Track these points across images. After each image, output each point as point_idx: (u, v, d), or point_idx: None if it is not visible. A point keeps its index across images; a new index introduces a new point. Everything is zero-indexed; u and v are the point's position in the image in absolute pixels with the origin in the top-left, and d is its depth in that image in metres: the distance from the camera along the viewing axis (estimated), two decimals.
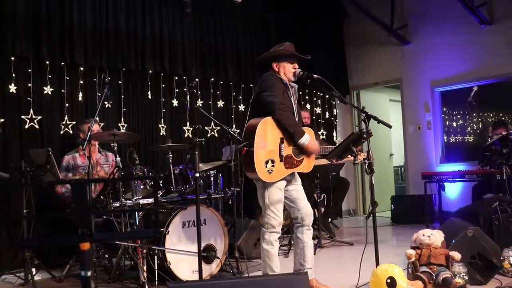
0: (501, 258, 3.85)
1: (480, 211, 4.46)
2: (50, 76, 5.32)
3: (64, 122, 5.40)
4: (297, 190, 3.69)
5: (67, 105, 5.42)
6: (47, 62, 5.27)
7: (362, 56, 8.76)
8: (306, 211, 3.66)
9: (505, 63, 7.07)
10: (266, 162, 3.41)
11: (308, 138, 3.51)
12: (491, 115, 7.38)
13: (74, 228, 1.91)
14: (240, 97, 7.14)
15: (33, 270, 4.16)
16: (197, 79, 6.45)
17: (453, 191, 7.26)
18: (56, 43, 5.30)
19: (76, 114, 5.50)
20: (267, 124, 3.45)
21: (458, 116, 7.97)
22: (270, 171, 3.42)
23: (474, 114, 7.50)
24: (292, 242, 3.99)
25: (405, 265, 3.77)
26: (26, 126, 5.13)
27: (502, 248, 3.94)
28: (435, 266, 3.57)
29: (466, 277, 3.53)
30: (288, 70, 3.67)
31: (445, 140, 7.99)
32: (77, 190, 2.04)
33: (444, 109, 8.01)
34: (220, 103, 6.91)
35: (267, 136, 3.44)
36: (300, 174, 3.76)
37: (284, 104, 3.49)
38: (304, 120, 5.58)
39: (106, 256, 4.54)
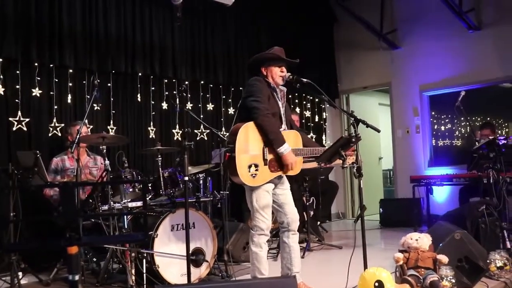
0: (488, 261, 3.87)
1: (467, 214, 4.46)
2: (39, 78, 5.27)
3: (52, 125, 5.36)
4: (285, 195, 3.69)
5: (55, 107, 5.38)
6: (36, 64, 5.22)
7: (351, 60, 8.81)
8: (292, 216, 3.67)
9: (493, 68, 7.13)
10: (249, 167, 3.41)
11: (287, 149, 3.47)
12: (479, 119, 7.45)
13: (62, 232, 1.90)
14: (230, 100, 7.13)
15: (20, 274, 4.11)
16: (187, 82, 6.43)
17: (441, 194, 7.29)
18: (45, 45, 5.25)
19: (65, 116, 5.45)
20: (249, 128, 3.45)
21: (446, 120, 8.02)
22: (253, 175, 3.42)
23: (462, 118, 7.57)
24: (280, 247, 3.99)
25: (393, 268, 3.76)
26: (14, 128, 5.08)
27: (488, 251, 3.95)
28: (422, 270, 3.57)
29: (453, 280, 3.54)
30: (275, 74, 3.67)
31: (434, 144, 8.04)
32: (65, 193, 2.03)
33: (433, 113, 8.06)
34: (210, 106, 6.89)
35: (249, 140, 3.44)
36: (288, 177, 3.76)
37: (268, 109, 3.48)
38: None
39: (94, 259, 4.51)
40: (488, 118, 7.41)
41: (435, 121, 8.08)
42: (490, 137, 5.22)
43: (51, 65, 5.36)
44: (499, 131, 7.34)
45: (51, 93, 5.38)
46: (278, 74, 3.67)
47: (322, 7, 8.57)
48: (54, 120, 5.37)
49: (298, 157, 3.60)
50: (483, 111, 7.59)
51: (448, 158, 7.77)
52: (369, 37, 8.18)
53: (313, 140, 7.93)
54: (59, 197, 4.56)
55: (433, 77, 7.75)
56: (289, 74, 3.69)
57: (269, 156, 3.50)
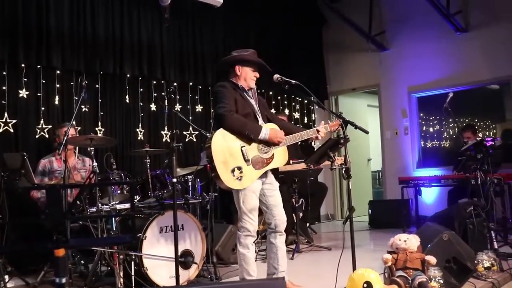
0: (475, 262, 3.88)
1: (455, 215, 4.47)
2: (25, 79, 5.21)
3: (39, 126, 5.31)
4: (274, 196, 3.69)
5: (43, 108, 5.33)
6: (23, 65, 5.17)
7: (340, 61, 8.82)
8: (280, 218, 3.68)
9: (480, 69, 7.19)
10: (233, 171, 3.42)
11: (267, 131, 3.50)
12: (467, 120, 7.48)
13: (49, 234, 1.88)
14: None
15: (6, 277, 4.07)
16: (175, 83, 6.36)
17: (430, 195, 7.33)
18: (33, 46, 5.20)
19: (52, 118, 5.40)
20: (220, 135, 3.47)
21: (435, 122, 8.06)
22: (239, 178, 3.43)
23: (450, 120, 7.62)
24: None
25: (381, 269, 3.75)
26: (0, 130, 5.02)
27: (476, 252, 3.96)
28: (411, 271, 3.56)
29: (442, 281, 3.54)
30: (249, 77, 3.69)
31: (422, 145, 8.07)
32: (52, 195, 2.01)
33: (421, 114, 8.10)
34: (199, 108, 6.86)
35: (225, 146, 3.45)
36: (277, 179, 3.76)
37: (232, 110, 3.48)
38: None
39: (82, 262, 4.47)
40: (476, 120, 7.46)
41: (423, 122, 8.12)
42: (471, 140, 5.24)
43: (38, 66, 5.31)
44: (487, 133, 7.40)
45: (38, 94, 5.33)
46: (251, 78, 3.69)
47: (311, 8, 8.57)
48: (42, 121, 5.32)
49: (282, 148, 3.61)
50: (471, 112, 7.62)
51: (436, 160, 7.80)
52: (357, 39, 8.19)
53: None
54: (46, 199, 4.51)
55: (422, 79, 7.79)
56: (278, 75, 3.69)
57: (250, 155, 3.50)
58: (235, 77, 3.69)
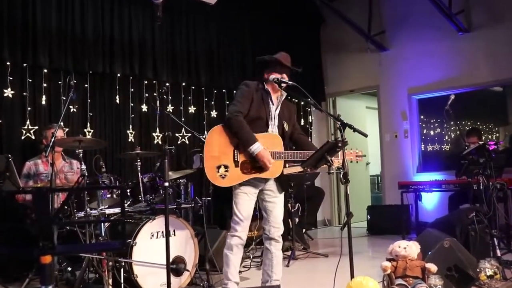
0: (478, 270, 3.84)
1: (456, 222, 4.48)
2: (11, 78, 5.16)
3: (25, 127, 5.25)
4: (274, 203, 3.68)
5: (29, 109, 5.28)
6: (8, 63, 5.12)
7: (338, 62, 8.77)
8: (275, 225, 3.67)
9: (483, 71, 7.14)
10: (218, 167, 3.46)
11: (258, 148, 3.46)
12: (468, 123, 7.44)
13: (35, 240, 1.86)
14: (213, 102, 7.04)
15: None
16: (167, 84, 6.35)
17: (430, 201, 7.30)
18: (18, 43, 5.14)
19: (38, 118, 5.35)
20: (219, 131, 3.52)
21: (436, 125, 8.02)
22: (223, 176, 3.46)
23: (452, 123, 7.53)
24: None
25: (380, 277, 3.74)
26: None
27: (478, 259, 3.93)
28: (411, 279, 3.54)
29: None
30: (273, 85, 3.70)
31: (422, 149, 8.02)
32: (38, 199, 1.97)
33: (422, 117, 8.05)
34: (192, 109, 6.81)
35: (219, 142, 3.49)
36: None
37: (241, 112, 3.51)
38: None
39: (69, 269, 4.39)
40: (478, 123, 7.43)
41: (424, 125, 8.07)
42: (478, 142, 5.18)
43: (25, 65, 5.25)
44: (489, 136, 7.34)
45: (24, 94, 5.28)
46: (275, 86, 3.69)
47: (308, 7, 8.52)
48: (28, 122, 5.27)
49: (278, 161, 3.57)
50: (473, 115, 7.59)
51: (437, 164, 7.75)
52: (356, 39, 8.13)
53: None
54: (32, 203, 4.44)
55: (422, 80, 7.73)
56: (274, 76, 3.66)
57: (241, 158, 3.52)
58: (264, 81, 3.72)
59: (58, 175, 4.73)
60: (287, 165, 4.98)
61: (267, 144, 3.51)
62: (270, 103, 3.66)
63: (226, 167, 3.45)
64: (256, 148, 3.44)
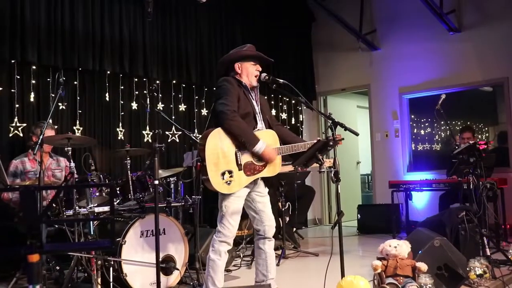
0: (467, 269, 3.86)
1: (446, 221, 4.48)
2: None
3: (13, 124, 5.18)
4: (264, 202, 3.62)
5: (17, 106, 5.21)
6: None
7: (329, 61, 8.77)
8: (269, 223, 3.61)
9: (473, 71, 7.17)
10: (223, 174, 3.34)
11: (262, 146, 3.41)
12: (459, 123, 7.46)
13: (23, 238, 1.86)
14: (203, 100, 7.01)
15: None
16: (158, 81, 6.32)
17: (421, 200, 7.33)
18: (6, 39, 5.06)
19: (27, 115, 5.28)
20: (217, 135, 3.39)
21: (426, 124, 8.04)
22: (228, 182, 3.35)
23: (442, 122, 7.56)
24: (254, 253, 3.91)
25: (371, 276, 3.73)
26: None
27: (468, 258, 3.95)
28: (401, 278, 3.55)
29: None
30: (250, 73, 3.59)
31: (413, 148, 8.04)
32: (26, 197, 1.95)
33: (412, 116, 8.06)
34: (182, 107, 6.77)
35: (220, 147, 3.38)
36: (264, 182, 3.67)
37: (236, 111, 3.42)
38: None
39: (57, 267, 4.33)
40: (469, 122, 7.45)
41: (414, 124, 8.08)
42: (471, 141, 5.23)
43: (13, 61, 5.17)
44: (479, 136, 7.36)
45: (12, 90, 5.20)
46: (253, 73, 3.59)
47: (300, 6, 8.51)
48: (16, 119, 5.20)
49: (278, 156, 3.54)
50: (464, 115, 7.61)
51: (427, 163, 7.79)
52: (348, 38, 8.14)
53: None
54: (19, 200, 4.42)
55: (413, 80, 7.75)
56: (265, 74, 3.63)
57: (243, 160, 3.42)
58: (237, 75, 3.61)
59: (45, 172, 4.67)
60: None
61: (266, 141, 3.47)
62: (251, 98, 3.60)
63: (230, 172, 3.35)
64: (260, 147, 3.38)
